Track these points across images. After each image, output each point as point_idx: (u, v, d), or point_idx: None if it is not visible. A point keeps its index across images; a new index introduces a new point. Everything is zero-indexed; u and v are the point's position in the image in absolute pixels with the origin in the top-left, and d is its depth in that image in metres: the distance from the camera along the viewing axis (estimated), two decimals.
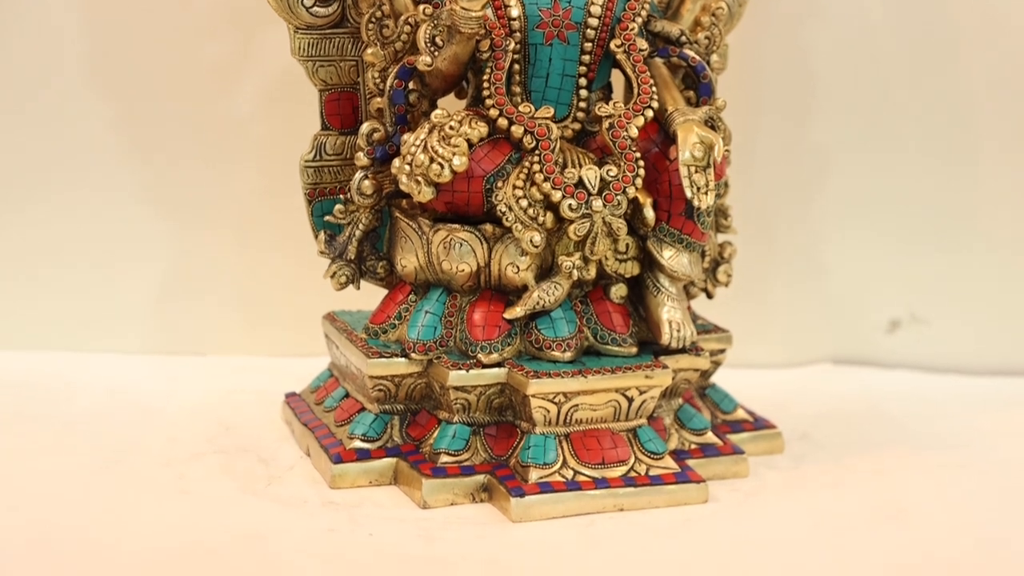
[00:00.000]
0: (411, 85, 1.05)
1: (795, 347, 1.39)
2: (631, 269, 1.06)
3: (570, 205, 1.00)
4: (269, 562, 0.90)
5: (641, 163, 1.02)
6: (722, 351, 1.14)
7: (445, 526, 0.97)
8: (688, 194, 1.02)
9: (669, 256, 1.05)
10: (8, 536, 0.92)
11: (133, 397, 1.23)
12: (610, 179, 1.01)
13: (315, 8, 1.07)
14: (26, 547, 0.91)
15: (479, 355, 1.03)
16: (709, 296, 1.16)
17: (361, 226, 1.08)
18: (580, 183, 1.01)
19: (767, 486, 1.07)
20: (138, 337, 1.35)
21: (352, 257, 1.09)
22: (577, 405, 1.02)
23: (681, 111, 1.04)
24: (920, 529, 0.99)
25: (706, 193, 1.02)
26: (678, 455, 1.06)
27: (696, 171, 1.02)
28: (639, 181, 1.02)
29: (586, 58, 1.05)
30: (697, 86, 1.09)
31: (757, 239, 1.31)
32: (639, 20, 1.05)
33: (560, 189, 1.00)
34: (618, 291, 1.07)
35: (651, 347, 1.07)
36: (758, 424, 1.15)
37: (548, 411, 1.01)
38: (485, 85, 1.03)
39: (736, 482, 1.07)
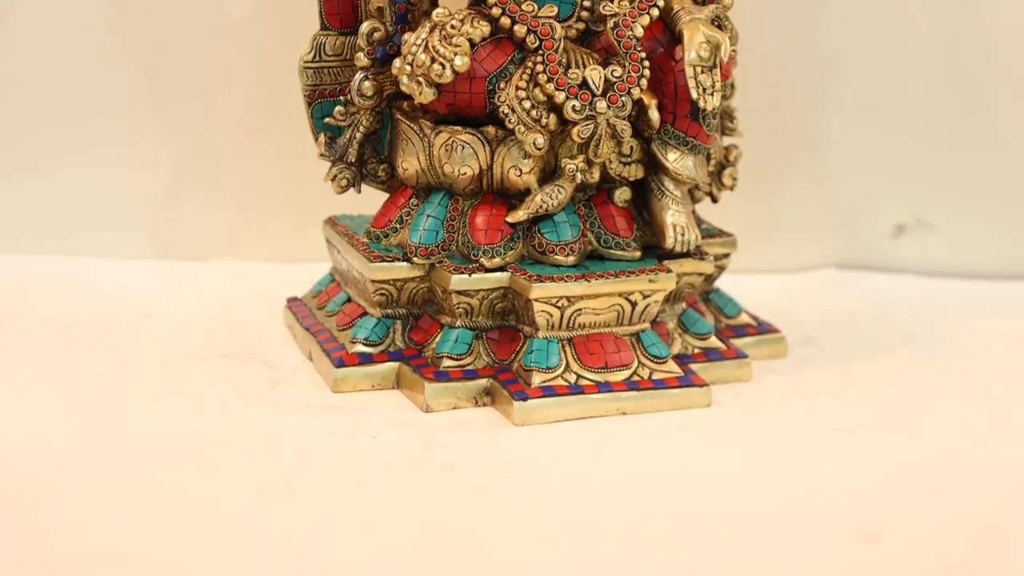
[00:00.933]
0: None
1: (800, 252, 1.39)
2: (635, 172, 1.05)
3: (574, 106, 0.99)
4: (272, 464, 0.90)
5: (646, 63, 1.00)
6: (726, 255, 1.14)
7: (448, 429, 0.97)
8: (694, 95, 1.00)
9: (674, 159, 1.04)
10: (8, 438, 0.93)
11: (134, 301, 1.22)
12: (614, 80, 0.99)
13: None
14: (26, 450, 0.91)
15: (481, 259, 1.02)
16: (714, 200, 1.15)
17: (362, 128, 1.07)
18: (584, 84, 0.99)
19: (770, 390, 1.07)
20: (139, 242, 1.34)
21: (353, 160, 1.07)
22: (580, 309, 1.01)
23: (687, 10, 1.02)
24: (921, 432, 0.99)
25: (712, 94, 1.01)
26: (681, 359, 1.06)
27: (702, 71, 1.00)
28: (644, 82, 1.00)
29: None
30: None
31: (763, 142, 1.29)
32: None
33: (564, 90, 0.99)
34: (622, 194, 1.05)
35: (655, 251, 1.06)
36: (762, 328, 1.15)
37: (551, 315, 1.01)
38: None
39: (739, 386, 1.07)
